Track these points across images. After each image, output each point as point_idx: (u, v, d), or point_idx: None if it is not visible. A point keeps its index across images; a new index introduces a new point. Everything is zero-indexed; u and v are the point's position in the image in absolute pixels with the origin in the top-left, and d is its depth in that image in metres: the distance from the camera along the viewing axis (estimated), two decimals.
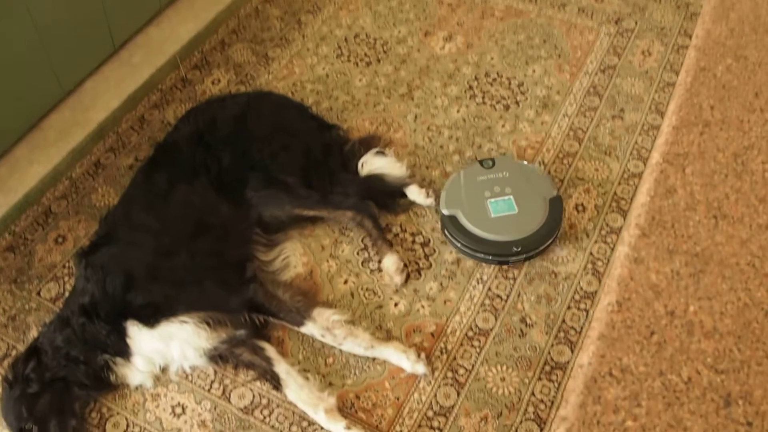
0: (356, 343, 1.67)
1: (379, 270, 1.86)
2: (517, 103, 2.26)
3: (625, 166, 2.06)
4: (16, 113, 2.14)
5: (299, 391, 1.61)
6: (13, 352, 1.77)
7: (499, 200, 1.87)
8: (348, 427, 1.55)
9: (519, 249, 1.78)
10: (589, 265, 1.84)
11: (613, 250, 1.87)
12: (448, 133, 2.19)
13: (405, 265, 1.85)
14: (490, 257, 1.80)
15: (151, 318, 1.64)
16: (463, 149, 2.14)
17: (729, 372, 0.62)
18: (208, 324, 1.64)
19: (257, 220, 1.87)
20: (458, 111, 2.25)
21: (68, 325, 1.65)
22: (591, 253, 1.86)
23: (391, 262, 1.84)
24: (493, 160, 1.97)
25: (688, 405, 0.59)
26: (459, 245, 1.82)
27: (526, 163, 2.00)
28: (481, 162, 1.97)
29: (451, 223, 1.83)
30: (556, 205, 1.86)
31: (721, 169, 0.80)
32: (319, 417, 1.57)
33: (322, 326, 1.68)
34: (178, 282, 1.70)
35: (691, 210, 0.76)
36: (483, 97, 2.28)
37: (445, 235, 1.87)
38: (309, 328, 1.69)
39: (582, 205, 1.97)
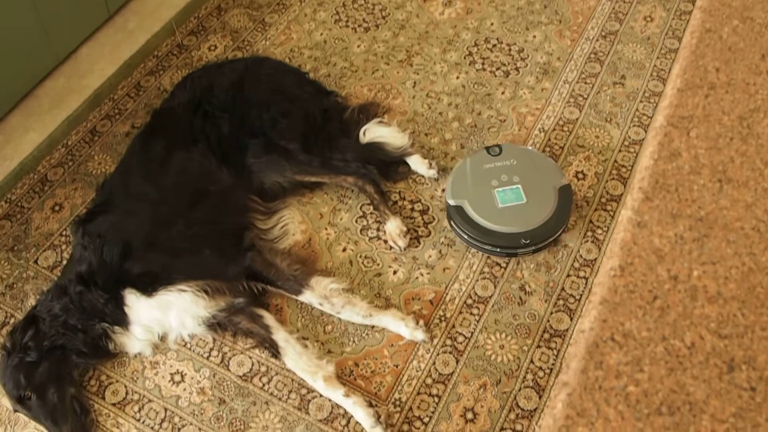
0: (354, 312, 1.67)
1: (379, 238, 1.85)
2: (517, 69, 2.23)
3: (626, 133, 2.03)
4: (10, 80, 2.11)
5: (298, 359, 1.61)
6: (12, 321, 1.77)
7: (507, 189, 1.81)
8: (346, 395, 1.55)
9: (528, 241, 1.73)
10: (589, 233, 1.83)
11: (613, 217, 1.86)
12: (448, 99, 2.16)
13: (408, 230, 1.84)
14: (498, 249, 1.76)
15: (149, 287, 1.63)
16: (463, 116, 2.11)
17: (732, 337, 0.61)
18: (207, 292, 1.64)
19: (257, 188, 1.86)
20: (458, 77, 2.22)
21: (66, 294, 1.64)
22: (591, 221, 1.85)
23: (394, 226, 1.83)
24: (500, 147, 1.90)
25: (691, 370, 0.59)
26: (466, 237, 1.78)
27: (533, 149, 1.94)
28: (488, 149, 1.90)
29: (457, 214, 1.79)
30: (565, 194, 1.80)
31: (727, 132, 0.79)
32: (318, 384, 1.58)
33: (320, 294, 1.68)
34: (176, 251, 1.69)
35: (695, 173, 0.74)
36: (483, 64, 2.25)
37: (452, 226, 1.83)
38: (307, 297, 1.69)
39: (582, 172, 1.96)
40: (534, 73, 2.21)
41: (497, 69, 2.23)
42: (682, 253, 0.67)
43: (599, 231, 1.83)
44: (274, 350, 1.63)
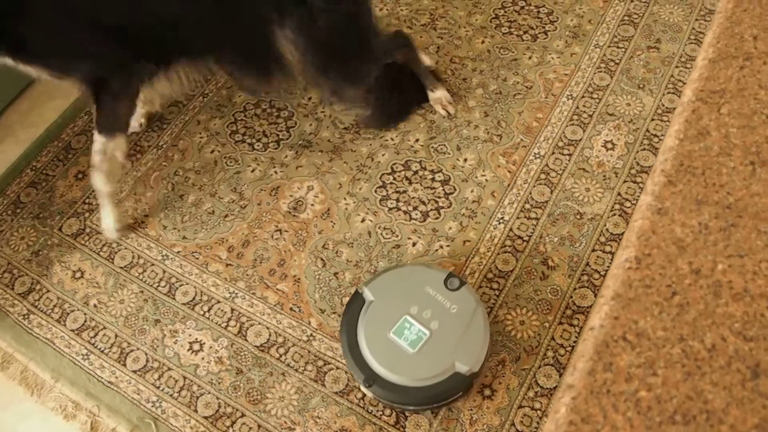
0: None
1: (398, 209, 1.81)
2: (545, 33, 2.13)
3: (660, 101, 1.94)
4: None
5: None
6: (38, 287, 1.79)
7: (411, 331, 1.50)
8: None
9: (370, 384, 1.46)
10: (617, 206, 1.76)
11: (643, 190, 1.78)
12: (472, 65, 2.08)
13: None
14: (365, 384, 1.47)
15: None
16: (487, 83, 2.04)
17: (759, 339, 0.56)
18: None
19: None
20: (482, 42, 2.13)
21: None
22: (619, 194, 1.78)
23: (442, 92, 1.95)
24: (462, 282, 1.55)
25: (710, 375, 0.54)
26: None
27: (485, 315, 1.52)
28: (449, 278, 1.55)
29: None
30: (460, 382, 1.44)
31: (763, 108, 0.72)
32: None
33: None
34: None
35: (725, 155, 0.68)
36: (509, 27, 2.16)
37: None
38: None
39: (611, 142, 1.88)
40: (563, 37, 2.12)
41: (524, 33, 2.14)
42: (706, 245, 0.61)
43: (627, 204, 1.76)
44: None
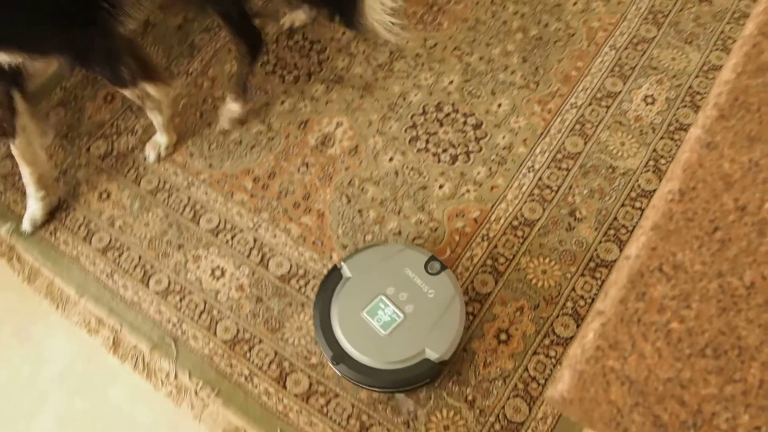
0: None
1: (428, 150, 1.78)
2: None
3: (707, 57, 1.87)
4: None
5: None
6: (65, 205, 1.81)
7: (385, 312, 1.46)
8: None
9: (337, 362, 1.43)
10: (651, 162, 1.71)
11: (679, 148, 1.73)
12: (513, 8, 2.01)
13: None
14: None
15: None
16: (528, 27, 1.97)
17: None
18: None
19: None
20: None
21: None
22: (654, 150, 1.73)
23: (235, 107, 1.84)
24: (442, 265, 1.50)
25: (746, 312, 0.52)
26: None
27: (461, 302, 1.47)
28: (429, 261, 1.51)
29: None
30: (430, 368, 1.41)
31: None
32: None
33: None
34: None
35: None
36: None
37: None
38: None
39: (652, 96, 1.82)
40: None
41: None
42: (755, 182, 0.59)
43: (662, 161, 1.71)
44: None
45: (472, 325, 1.54)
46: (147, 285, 1.68)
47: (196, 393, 1.53)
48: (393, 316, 1.44)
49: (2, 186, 1.86)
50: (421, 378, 1.41)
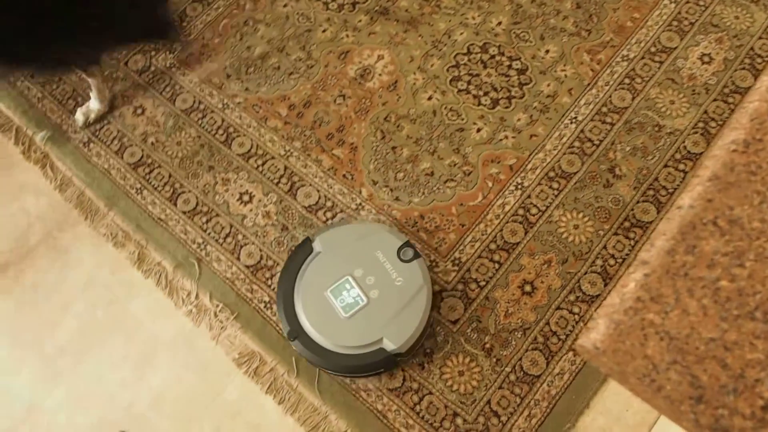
0: None
1: (468, 92, 1.73)
2: None
3: None
4: None
5: None
6: (101, 117, 1.80)
7: (349, 294, 1.41)
8: None
9: (294, 338, 1.40)
10: (701, 124, 1.64)
11: (733, 112, 1.65)
12: None
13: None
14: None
15: None
16: None
17: None
18: None
19: None
20: None
21: None
22: (705, 111, 1.66)
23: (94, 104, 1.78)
24: (415, 252, 1.44)
25: None
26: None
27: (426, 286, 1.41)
28: (403, 246, 1.44)
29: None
30: (385, 358, 1.37)
31: None
32: None
33: None
34: None
35: None
36: None
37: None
38: None
39: (709, 55, 1.72)
40: None
41: None
42: None
43: (713, 124, 1.64)
44: None
45: (497, 274, 1.52)
46: (175, 204, 1.68)
47: (215, 315, 1.55)
48: (357, 299, 1.39)
49: (40, 93, 1.85)
50: (374, 367, 1.38)
